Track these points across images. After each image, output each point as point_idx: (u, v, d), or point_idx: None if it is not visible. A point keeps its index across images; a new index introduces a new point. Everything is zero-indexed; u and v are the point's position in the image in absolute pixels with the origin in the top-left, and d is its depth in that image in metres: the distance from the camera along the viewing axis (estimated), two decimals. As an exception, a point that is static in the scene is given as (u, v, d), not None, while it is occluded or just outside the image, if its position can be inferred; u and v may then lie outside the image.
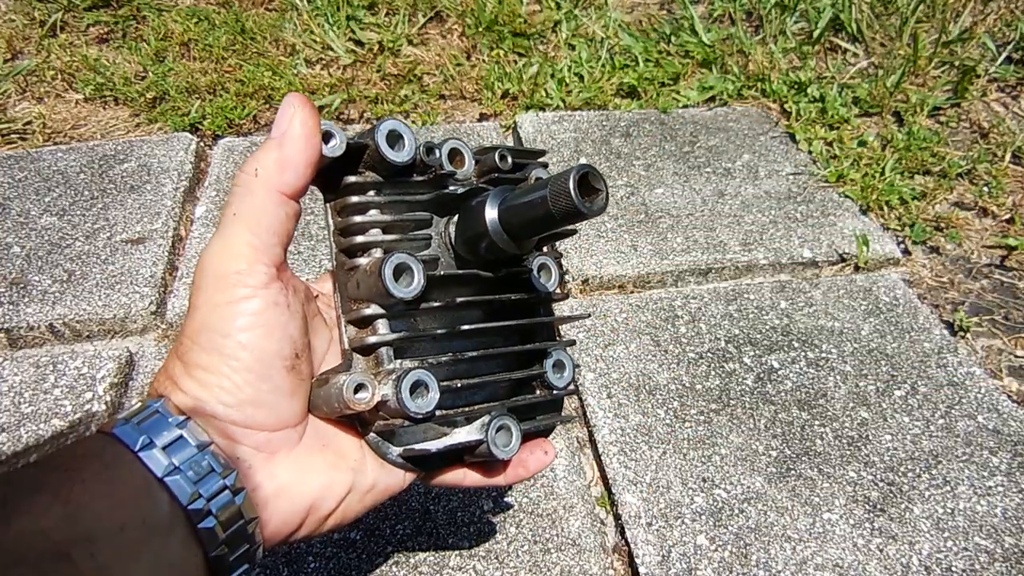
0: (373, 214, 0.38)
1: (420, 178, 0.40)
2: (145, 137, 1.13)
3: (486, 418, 0.41)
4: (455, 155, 0.41)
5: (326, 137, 0.36)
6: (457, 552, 0.62)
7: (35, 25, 1.41)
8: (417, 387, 0.37)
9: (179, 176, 1.03)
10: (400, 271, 0.37)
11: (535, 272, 0.45)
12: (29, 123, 1.17)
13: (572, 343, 0.47)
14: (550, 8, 1.47)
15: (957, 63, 1.28)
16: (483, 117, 1.24)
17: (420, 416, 0.37)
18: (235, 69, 1.29)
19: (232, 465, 0.34)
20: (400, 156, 0.38)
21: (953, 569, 0.62)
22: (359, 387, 0.36)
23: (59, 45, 1.34)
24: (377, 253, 0.39)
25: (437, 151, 0.41)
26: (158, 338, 0.83)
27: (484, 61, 1.34)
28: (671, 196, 1.03)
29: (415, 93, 1.26)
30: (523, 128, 1.15)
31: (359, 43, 1.37)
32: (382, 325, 0.38)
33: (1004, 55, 1.29)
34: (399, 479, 0.41)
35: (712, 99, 1.26)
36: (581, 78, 1.29)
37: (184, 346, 0.35)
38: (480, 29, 1.39)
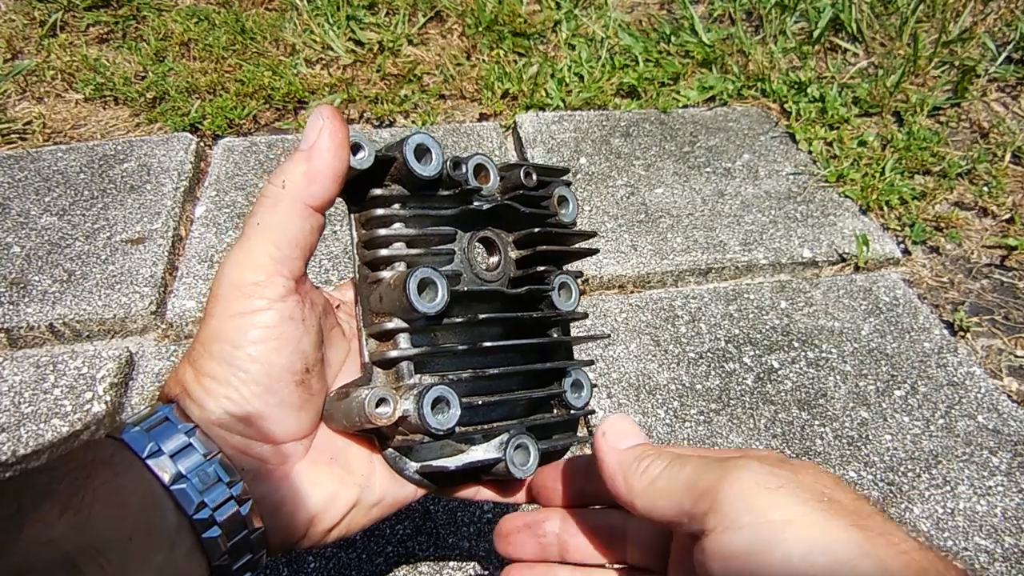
0: (397, 227, 0.38)
1: (445, 193, 0.40)
2: (145, 137, 1.13)
3: (504, 436, 0.40)
4: (480, 171, 0.41)
5: (354, 149, 0.36)
6: (457, 552, 0.62)
7: (35, 25, 1.41)
8: (438, 403, 0.37)
9: (179, 176, 1.03)
10: (424, 285, 0.37)
11: (556, 291, 0.44)
12: (29, 123, 1.17)
13: (591, 363, 0.46)
14: (550, 8, 1.47)
15: (957, 63, 1.28)
16: (483, 117, 1.24)
17: (441, 432, 0.36)
18: (235, 69, 1.29)
19: (238, 475, 0.34)
20: (427, 170, 0.37)
21: (953, 569, 0.62)
22: (380, 401, 0.36)
23: (59, 45, 1.34)
24: (401, 267, 0.38)
25: (463, 166, 0.40)
26: (158, 338, 0.83)
27: (484, 61, 1.34)
28: (671, 196, 1.03)
29: (415, 93, 1.26)
30: (523, 128, 1.15)
31: (359, 43, 1.37)
32: (403, 339, 0.38)
33: (1004, 55, 1.29)
34: (408, 493, 0.41)
35: (712, 99, 1.26)
36: (581, 78, 1.29)
37: (196, 352, 0.35)
38: (480, 29, 1.39)
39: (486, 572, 0.61)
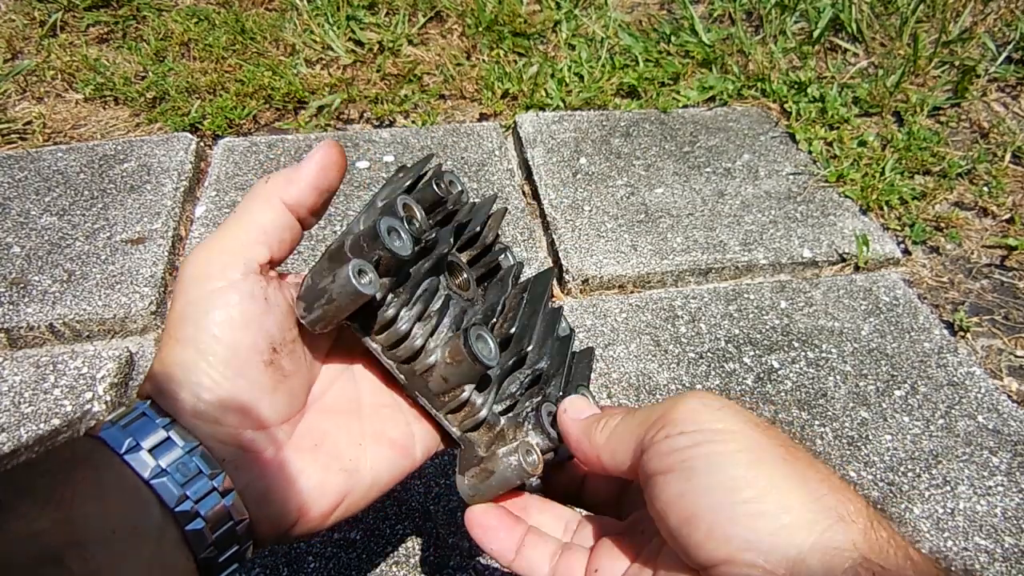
0: (405, 314, 0.38)
1: (416, 249, 0.39)
2: (145, 137, 1.13)
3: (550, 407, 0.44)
4: (408, 209, 0.41)
5: (360, 274, 0.35)
6: (457, 552, 0.62)
7: (35, 25, 1.41)
8: (550, 419, 0.39)
9: (179, 176, 1.03)
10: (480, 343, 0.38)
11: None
12: (29, 123, 1.17)
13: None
14: (550, 8, 1.47)
15: (957, 63, 1.28)
16: (483, 117, 1.24)
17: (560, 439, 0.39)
18: (235, 69, 1.29)
19: (220, 466, 0.34)
20: (405, 248, 0.37)
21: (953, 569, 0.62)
22: (527, 453, 0.38)
23: (59, 45, 1.34)
24: (431, 345, 0.39)
25: (416, 219, 0.40)
26: (158, 338, 0.83)
27: (484, 61, 1.34)
28: (671, 196, 1.03)
29: (415, 93, 1.26)
30: (523, 128, 1.15)
31: (359, 43, 1.37)
32: (476, 395, 0.39)
33: (1004, 55, 1.29)
34: (405, 466, 0.41)
35: (712, 99, 1.26)
36: (581, 78, 1.29)
37: (164, 344, 0.35)
38: (480, 29, 1.39)
39: (486, 572, 0.61)
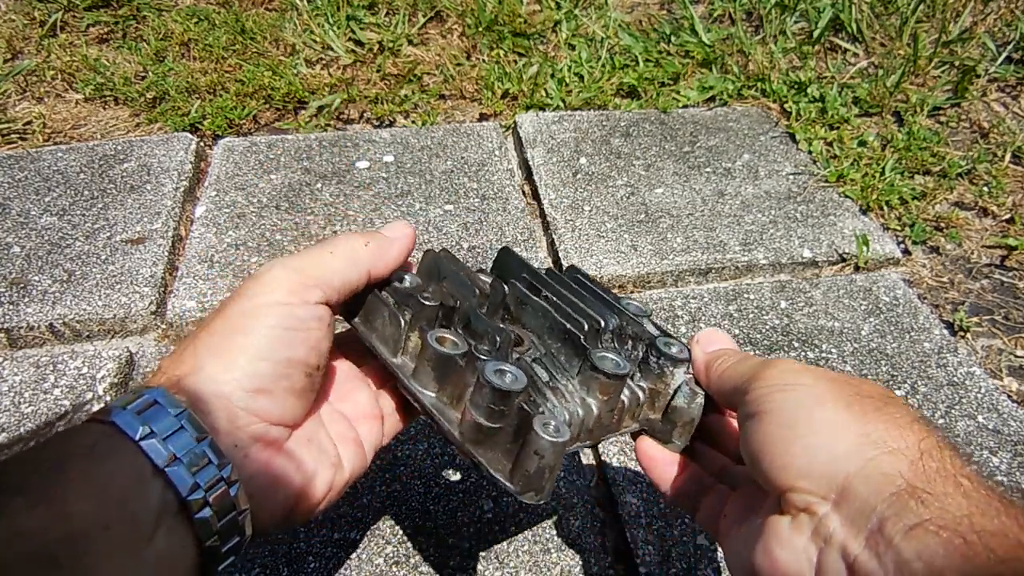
0: (552, 408, 0.41)
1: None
2: (145, 137, 1.13)
3: None
4: (443, 342, 0.42)
5: (546, 427, 0.37)
6: (457, 552, 0.62)
7: (35, 25, 1.41)
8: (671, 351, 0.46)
9: (179, 176, 1.03)
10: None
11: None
12: (29, 123, 1.17)
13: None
14: (550, 8, 1.47)
15: (957, 63, 1.28)
16: (483, 117, 1.24)
17: None
18: (235, 69, 1.29)
19: (228, 455, 0.35)
20: (520, 380, 0.39)
21: (953, 569, 0.62)
22: (696, 384, 0.44)
23: (59, 45, 1.34)
24: (579, 401, 0.42)
25: (452, 338, 0.43)
26: (158, 338, 0.83)
27: (484, 61, 1.34)
28: (671, 196, 1.03)
29: (415, 93, 1.26)
30: (523, 128, 1.15)
31: (359, 43, 1.37)
32: (626, 391, 0.44)
33: (1004, 55, 1.29)
34: (362, 468, 0.45)
35: (712, 99, 1.26)
36: (581, 78, 1.29)
37: (213, 331, 0.38)
38: (480, 29, 1.39)
39: (486, 572, 0.61)
